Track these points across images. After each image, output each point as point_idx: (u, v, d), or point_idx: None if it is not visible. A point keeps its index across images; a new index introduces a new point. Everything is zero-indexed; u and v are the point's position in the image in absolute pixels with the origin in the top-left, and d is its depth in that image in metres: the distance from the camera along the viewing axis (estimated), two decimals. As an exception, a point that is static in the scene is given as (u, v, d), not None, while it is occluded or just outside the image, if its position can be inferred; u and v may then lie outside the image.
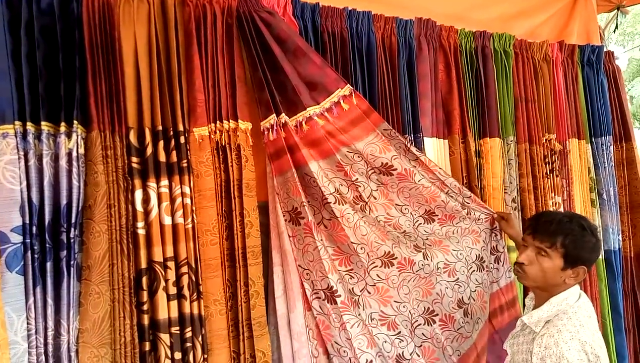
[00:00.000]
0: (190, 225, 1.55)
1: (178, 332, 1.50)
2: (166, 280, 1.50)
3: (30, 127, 1.34)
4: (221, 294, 1.61)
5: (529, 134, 2.39)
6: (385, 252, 1.86)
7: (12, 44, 1.32)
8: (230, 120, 1.66)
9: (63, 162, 1.36)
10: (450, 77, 2.21)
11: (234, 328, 1.64)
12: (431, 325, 1.91)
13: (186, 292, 1.53)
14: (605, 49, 2.76)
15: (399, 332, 1.85)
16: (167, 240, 1.51)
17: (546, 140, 2.46)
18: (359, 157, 1.84)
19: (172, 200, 1.53)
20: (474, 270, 2.00)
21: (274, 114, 1.71)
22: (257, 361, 1.63)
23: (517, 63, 2.41)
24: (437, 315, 1.93)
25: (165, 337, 1.48)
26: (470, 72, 2.27)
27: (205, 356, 1.56)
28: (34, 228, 1.32)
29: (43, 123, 1.35)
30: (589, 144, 2.63)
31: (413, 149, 1.88)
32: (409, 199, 1.93)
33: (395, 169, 1.87)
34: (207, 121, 1.62)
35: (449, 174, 2.03)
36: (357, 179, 1.85)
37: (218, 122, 1.65)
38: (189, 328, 1.52)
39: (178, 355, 1.50)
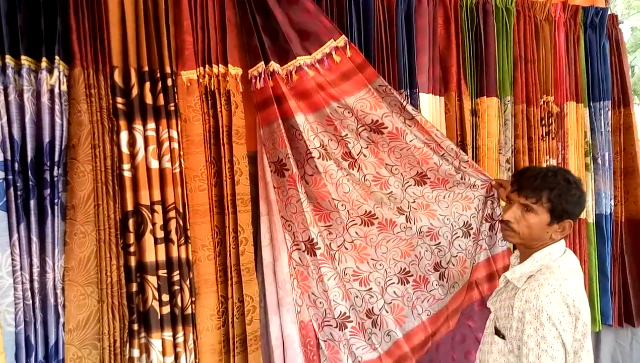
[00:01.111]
0: (177, 170, 1.54)
1: (165, 274, 1.51)
2: (153, 224, 1.49)
3: (9, 60, 1.30)
4: (209, 240, 1.61)
5: (527, 95, 2.35)
6: (366, 211, 1.86)
7: (-10, -28, 1.27)
8: (220, 65, 1.62)
9: (45, 99, 1.33)
10: (449, 32, 2.16)
11: (222, 273, 1.65)
12: (404, 285, 1.93)
13: (174, 236, 1.53)
14: (609, 12, 2.69)
15: (370, 288, 1.87)
16: (154, 184, 1.50)
17: (544, 102, 2.42)
18: (349, 112, 1.81)
19: (159, 144, 1.51)
20: (459, 236, 1.99)
21: (262, 62, 1.67)
22: (245, 305, 1.64)
23: (519, 21, 2.34)
24: (412, 275, 1.95)
25: (152, 279, 1.49)
26: (470, 28, 2.21)
27: (193, 299, 1.57)
28: (16, 165, 1.31)
29: (23, 57, 1.32)
30: (587, 108, 2.59)
31: (409, 108, 1.84)
32: (400, 160, 1.90)
33: (386, 127, 1.83)
34: (195, 64, 1.58)
35: (446, 136, 2.00)
36: (346, 134, 1.82)
37: (207, 66, 1.61)
38: (177, 272, 1.53)
39: (166, 297, 1.51)
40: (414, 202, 1.93)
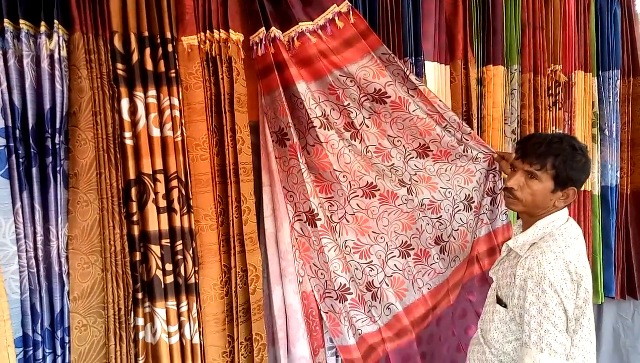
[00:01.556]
0: (179, 139, 1.52)
1: (169, 244, 1.51)
2: (156, 193, 1.48)
3: (7, 24, 1.27)
4: (212, 209, 1.60)
5: (534, 64, 2.31)
6: (367, 183, 1.84)
7: None
8: (222, 30, 1.58)
9: (45, 64, 1.30)
10: (456, -2, 2.10)
11: (225, 243, 1.65)
12: (405, 258, 1.92)
13: (176, 205, 1.52)
14: (622, -23, 2.61)
15: (371, 261, 1.86)
16: (155, 152, 1.48)
17: (551, 70, 2.37)
18: (351, 81, 1.77)
19: (161, 112, 1.49)
20: (460, 209, 1.98)
21: (263, 28, 1.63)
22: (248, 274, 1.65)
23: (528, -14, 2.28)
24: (413, 249, 1.94)
25: (156, 249, 1.48)
26: (477, -6, 2.15)
27: (196, 269, 1.57)
28: (17, 132, 1.29)
29: (21, 21, 1.28)
30: (596, 77, 2.54)
31: (412, 77, 1.80)
32: (403, 131, 1.87)
33: (389, 97, 1.80)
34: (196, 30, 1.55)
35: (449, 108, 1.96)
36: (348, 104, 1.79)
37: (208, 31, 1.57)
38: (180, 241, 1.53)
39: (169, 267, 1.51)
40: (416, 174, 1.91)
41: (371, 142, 1.85)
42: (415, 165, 1.91)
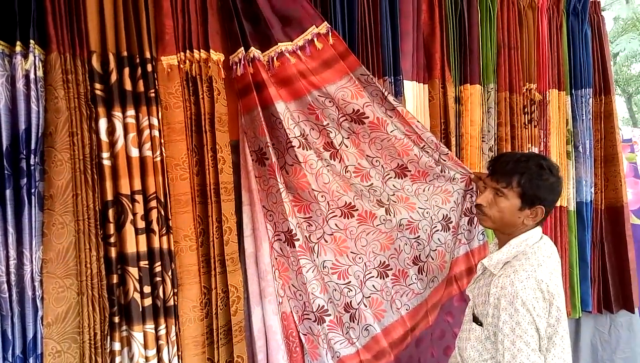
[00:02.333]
0: (159, 159, 1.50)
1: (147, 266, 1.48)
2: (134, 214, 1.46)
3: (-19, 44, 1.25)
4: (191, 230, 1.58)
5: (510, 82, 2.37)
6: (346, 203, 1.84)
7: (-43, -49, 1.21)
8: (202, 50, 1.58)
9: (20, 85, 1.28)
10: (433, 18, 2.15)
11: (205, 264, 1.63)
12: (383, 279, 1.92)
13: (155, 226, 1.50)
14: (591, -1, 2.71)
15: (349, 282, 1.85)
16: (134, 172, 1.46)
17: (527, 89, 2.44)
18: (330, 101, 1.78)
19: (140, 132, 1.47)
20: (438, 230, 1.99)
21: (242, 48, 1.64)
22: (230, 295, 1.63)
23: (502, 8, 2.35)
24: (391, 269, 1.93)
25: (133, 271, 1.45)
26: (454, 15, 2.20)
27: (175, 290, 1.55)
28: (-9, 154, 1.26)
29: (-4, 41, 1.26)
30: (569, 96, 2.62)
31: (390, 98, 1.81)
32: (381, 151, 1.88)
33: (367, 117, 1.81)
34: (176, 50, 1.54)
35: (427, 128, 1.98)
36: (327, 124, 1.79)
37: (188, 51, 1.57)
38: (159, 263, 1.50)
39: (147, 289, 1.48)
40: (394, 194, 1.92)
41: (350, 162, 1.85)
42: (393, 185, 1.92)
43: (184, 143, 1.57)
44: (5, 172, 1.29)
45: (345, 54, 1.78)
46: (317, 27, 1.74)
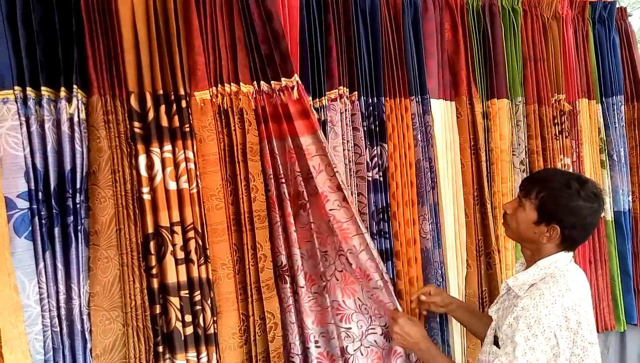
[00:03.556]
0: (195, 190, 1.55)
1: (187, 295, 1.52)
2: (174, 245, 1.50)
3: (30, 92, 1.33)
4: (228, 258, 1.62)
5: (538, 95, 2.34)
6: (347, 249, 1.72)
7: (7, 7, 1.29)
8: (232, 84, 1.64)
9: (65, 128, 1.35)
10: (457, 36, 2.16)
11: (242, 291, 1.66)
12: (388, 341, 1.78)
13: (194, 256, 1.54)
14: (617, 5, 2.67)
15: (350, 328, 1.76)
16: (172, 205, 1.51)
17: (555, 100, 2.41)
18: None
19: (176, 165, 1.52)
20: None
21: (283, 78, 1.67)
22: (267, 322, 1.64)
23: (526, 21, 2.34)
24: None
25: (175, 300, 1.50)
26: (477, 31, 2.20)
27: (215, 318, 1.58)
28: (40, 194, 1.33)
29: (43, 88, 1.34)
30: (600, 104, 2.57)
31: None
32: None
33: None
34: (208, 85, 1.60)
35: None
36: (335, 165, 1.70)
37: (219, 85, 1.62)
38: (198, 292, 1.54)
39: (188, 318, 1.52)
40: (341, 271, 1.77)
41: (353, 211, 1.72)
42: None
43: (219, 174, 1.61)
44: (54, 211, 1.35)
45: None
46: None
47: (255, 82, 1.67)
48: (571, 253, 1.45)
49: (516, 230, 1.45)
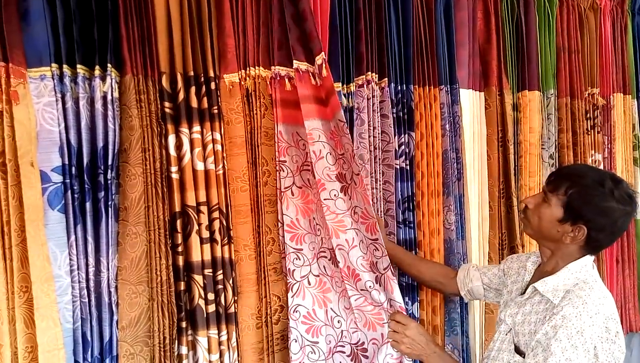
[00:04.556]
0: (221, 172, 1.57)
1: (211, 274, 1.55)
2: (199, 224, 1.53)
3: (66, 69, 1.36)
4: (251, 240, 1.64)
5: (571, 88, 2.29)
6: (336, 245, 1.61)
7: (46, -14, 1.32)
8: (256, 67, 1.65)
9: (99, 105, 1.39)
10: (489, 25, 2.11)
11: (263, 273, 1.68)
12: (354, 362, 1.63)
13: (217, 236, 1.56)
14: (660, -3, 2.57)
15: (317, 343, 1.63)
16: (199, 185, 1.53)
17: (589, 94, 2.35)
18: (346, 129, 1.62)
19: (204, 146, 1.54)
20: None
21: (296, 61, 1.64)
22: (272, 305, 1.68)
23: (562, 11, 2.28)
24: (368, 356, 1.63)
25: (198, 278, 1.53)
26: (510, 21, 2.16)
27: (236, 298, 1.61)
28: (73, 169, 1.36)
29: (79, 66, 1.37)
30: (635, 100, 2.50)
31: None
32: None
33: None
34: (237, 67, 1.61)
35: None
36: (343, 154, 1.62)
37: (247, 68, 1.64)
38: (220, 271, 1.57)
39: (211, 296, 1.55)
40: (318, 275, 1.70)
41: (357, 203, 1.62)
42: None
43: (244, 156, 1.63)
44: (86, 186, 1.39)
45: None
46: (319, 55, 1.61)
47: (273, 67, 1.66)
48: (591, 257, 1.36)
49: (537, 226, 1.36)
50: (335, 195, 1.62)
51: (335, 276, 1.69)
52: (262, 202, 1.67)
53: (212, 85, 1.55)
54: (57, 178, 1.35)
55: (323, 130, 1.63)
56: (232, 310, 1.59)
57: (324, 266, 1.69)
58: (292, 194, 1.68)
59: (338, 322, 1.67)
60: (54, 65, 1.35)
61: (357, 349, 1.64)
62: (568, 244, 1.31)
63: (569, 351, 1.18)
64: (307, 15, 1.60)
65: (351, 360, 1.64)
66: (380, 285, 1.62)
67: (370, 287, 1.61)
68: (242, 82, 1.64)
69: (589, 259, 1.35)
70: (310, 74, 1.64)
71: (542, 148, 2.22)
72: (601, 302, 1.25)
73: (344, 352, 1.65)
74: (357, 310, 1.62)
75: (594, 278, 1.31)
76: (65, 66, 1.36)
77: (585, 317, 1.20)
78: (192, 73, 1.51)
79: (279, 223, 1.70)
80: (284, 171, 1.68)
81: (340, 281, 1.64)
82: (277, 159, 1.67)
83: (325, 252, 1.69)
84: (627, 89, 2.46)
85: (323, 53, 1.61)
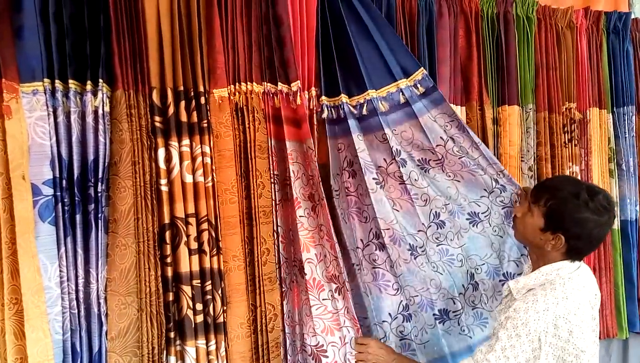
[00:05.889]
0: (210, 184, 1.60)
1: (199, 284, 1.58)
2: (188, 236, 1.56)
3: (58, 84, 1.39)
4: (239, 250, 1.67)
5: (549, 102, 2.37)
6: (306, 258, 1.75)
7: (40, 2, 1.36)
8: (248, 83, 1.69)
9: (90, 120, 1.42)
10: (471, 43, 2.19)
11: (252, 282, 1.71)
12: None
13: (206, 247, 1.59)
14: (633, 16, 2.68)
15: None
16: (188, 197, 1.56)
17: (566, 108, 2.43)
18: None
19: (193, 159, 1.58)
20: None
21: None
22: (267, 314, 1.71)
23: (540, 30, 2.36)
24: (328, 356, 1.76)
25: (187, 289, 1.55)
26: (491, 38, 2.23)
27: (225, 308, 1.64)
28: (64, 182, 1.39)
29: (70, 81, 1.40)
30: (611, 114, 2.59)
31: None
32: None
33: None
34: (226, 83, 1.65)
35: None
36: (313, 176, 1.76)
37: (237, 84, 1.68)
38: (209, 282, 1.60)
39: (199, 306, 1.58)
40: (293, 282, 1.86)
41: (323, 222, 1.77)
42: None
43: (233, 169, 1.67)
44: (76, 198, 1.42)
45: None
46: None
47: (264, 83, 1.73)
48: (577, 263, 1.45)
49: (523, 234, 1.50)
50: (308, 213, 1.75)
51: (301, 285, 1.77)
52: (256, 214, 1.70)
53: (202, 100, 1.59)
54: (48, 191, 1.37)
55: (299, 152, 1.75)
56: (220, 320, 1.62)
57: (295, 274, 1.78)
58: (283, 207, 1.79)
59: (298, 327, 1.78)
60: (46, 80, 1.38)
61: (316, 350, 1.74)
62: (550, 251, 1.42)
63: (514, 339, 1.31)
64: (286, 41, 1.68)
65: (312, 360, 1.73)
66: (340, 295, 1.77)
67: (331, 296, 1.76)
68: (232, 97, 1.68)
69: (566, 264, 1.43)
70: (291, 97, 1.72)
71: (521, 160, 2.29)
72: (557, 302, 1.33)
73: (306, 352, 1.76)
74: (317, 318, 1.73)
75: (562, 281, 1.38)
76: (57, 81, 1.39)
77: (532, 312, 1.31)
78: (182, 88, 1.55)
79: (274, 234, 1.76)
80: (277, 184, 1.75)
81: (305, 291, 1.74)
82: (271, 172, 1.73)
83: (296, 262, 1.78)
84: (602, 104, 2.55)
85: (299, 81, 1.71)
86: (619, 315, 2.49)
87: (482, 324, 1.96)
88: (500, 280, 1.95)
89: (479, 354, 1.38)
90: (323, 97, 1.86)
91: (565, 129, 2.43)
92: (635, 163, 2.61)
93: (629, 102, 2.60)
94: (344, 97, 1.85)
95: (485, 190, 1.94)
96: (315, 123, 1.84)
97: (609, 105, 2.58)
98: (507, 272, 1.97)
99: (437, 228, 1.92)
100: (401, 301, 1.90)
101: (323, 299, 1.75)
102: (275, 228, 1.74)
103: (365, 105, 1.86)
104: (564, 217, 1.36)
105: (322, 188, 1.72)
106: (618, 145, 2.58)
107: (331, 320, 1.75)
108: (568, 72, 2.43)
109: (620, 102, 2.59)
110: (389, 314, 1.88)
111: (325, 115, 1.86)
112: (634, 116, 2.62)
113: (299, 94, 1.70)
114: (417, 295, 1.91)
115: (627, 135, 2.59)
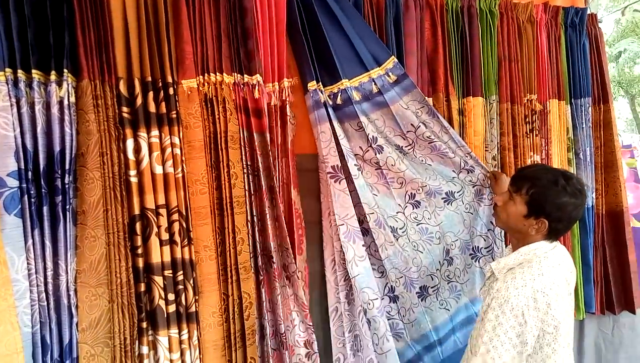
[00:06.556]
0: (180, 175, 1.61)
1: (171, 275, 1.59)
2: (158, 227, 1.57)
3: (21, 74, 1.37)
4: (210, 240, 1.69)
5: (511, 94, 2.46)
6: (273, 247, 1.83)
7: (-1, -8, 1.33)
8: (217, 73, 1.70)
9: (55, 110, 1.40)
10: (436, 35, 2.25)
11: (223, 272, 1.73)
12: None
13: (177, 238, 1.60)
14: (588, 11, 2.79)
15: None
16: (158, 188, 1.57)
17: (527, 100, 2.52)
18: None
19: (163, 150, 1.58)
20: None
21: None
22: (243, 302, 1.73)
23: (502, 23, 2.44)
24: (287, 338, 1.90)
25: (158, 280, 1.56)
26: (455, 32, 2.30)
27: (196, 297, 1.65)
28: (29, 174, 1.37)
29: (34, 71, 1.38)
30: (569, 105, 2.70)
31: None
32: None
33: None
34: (195, 73, 1.65)
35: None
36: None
37: (206, 74, 1.68)
38: (181, 272, 1.61)
39: (171, 296, 1.59)
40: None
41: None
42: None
43: (203, 160, 1.67)
44: (42, 190, 1.40)
45: None
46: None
47: (234, 74, 1.74)
48: (554, 243, 1.56)
49: (505, 221, 1.57)
50: (269, 204, 1.80)
51: (270, 273, 1.82)
52: (228, 204, 1.72)
53: (170, 91, 1.59)
54: (13, 183, 1.35)
55: (262, 144, 1.78)
56: (193, 309, 1.63)
57: (265, 263, 1.83)
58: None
59: (270, 314, 1.85)
60: (7, 70, 1.36)
61: (282, 335, 1.83)
62: (533, 235, 1.52)
63: (500, 316, 1.39)
64: (250, 33, 1.70)
65: (281, 346, 1.83)
66: (289, 282, 1.86)
67: (286, 284, 1.86)
68: (201, 88, 1.68)
69: (543, 244, 1.53)
70: (256, 88, 1.75)
71: (485, 150, 2.38)
72: (533, 278, 1.43)
73: (277, 337, 1.84)
74: (280, 305, 1.82)
75: (538, 259, 1.49)
76: (20, 71, 1.37)
77: (512, 289, 1.41)
78: (149, 78, 1.54)
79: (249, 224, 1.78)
80: (251, 175, 1.78)
81: (274, 279, 1.80)
82: (243, 163, 1.74)
83: (266, 252, 1.83)
84: (561, 96, 2.66)
85: (259, 75, 1.74)
86: (577, 296, 2.62)
87: (457, 297, 2.10)
88: (470, 254, 2.07)
89: (472, 340, 1.46)
90: (309, 84, 1.90)
91: (527, 119, 2.52)
92: (592, 152, 2.73)
93: (585, 93, 2.72)
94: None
95: (454, 171, 2.06)
96: (287, 114, 1.86)
97: (567, 96, 2.69)
98: (476, 247, 2.09)
99: (413, 208, 2.02)
100: (386, 283, 1.99)
101: (282, 286, 1.84)
102: (250, 218, 1.76)
103: (339, 94, 1.90)
104: (546, 203, 1.46)
105: (276, 181, 1.78)
106: (576, 135, 2.70)
107: (285, 305, 1.84)
108: (529, 64, 2.53)
109: (577, 93, 2.71)
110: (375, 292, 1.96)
111: (310, 103, 1.91)
112: (590, 107, 2.74)
113: (257, 87, 1.72)
114: (402, 277, 2.01)
115: (584, 126, 2.71)
